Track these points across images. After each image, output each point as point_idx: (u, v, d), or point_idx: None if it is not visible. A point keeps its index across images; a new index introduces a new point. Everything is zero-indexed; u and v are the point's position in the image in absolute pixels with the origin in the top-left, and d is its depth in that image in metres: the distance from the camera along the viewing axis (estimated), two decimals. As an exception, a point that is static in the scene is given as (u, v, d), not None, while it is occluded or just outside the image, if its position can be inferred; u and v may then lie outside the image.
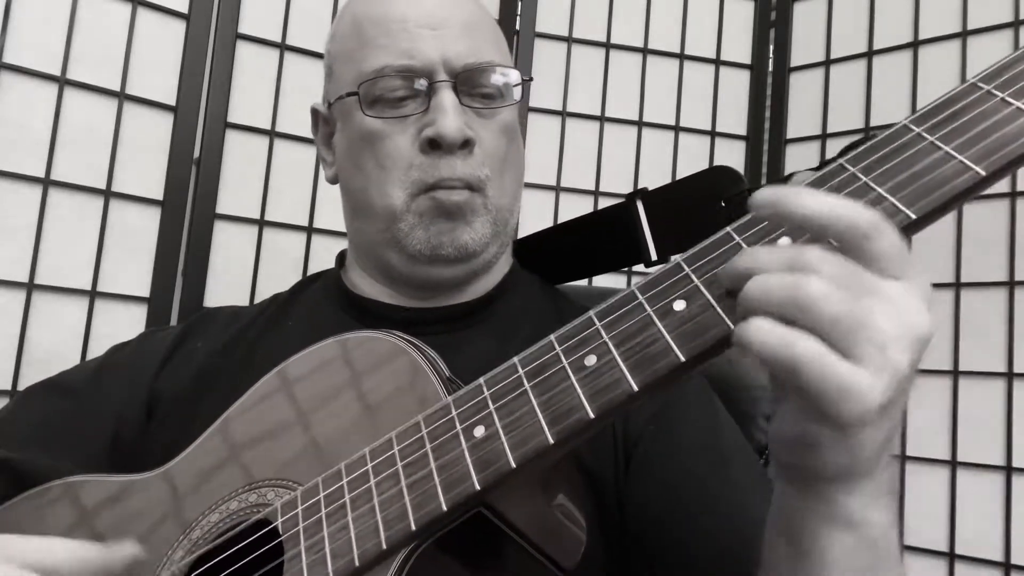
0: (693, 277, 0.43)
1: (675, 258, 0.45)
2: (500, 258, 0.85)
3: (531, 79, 0.84)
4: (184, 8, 1.35)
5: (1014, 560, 1.34)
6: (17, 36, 1.22)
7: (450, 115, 0.75)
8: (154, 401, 0.81)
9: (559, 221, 1.59)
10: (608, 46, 1.68)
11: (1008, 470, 1.38)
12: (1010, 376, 1.40)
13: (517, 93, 0.81)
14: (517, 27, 1.61)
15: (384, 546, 0.48)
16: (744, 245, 0.42)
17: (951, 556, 1.42)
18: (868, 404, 0.39)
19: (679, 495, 0.69)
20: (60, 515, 0.67)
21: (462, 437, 0.48)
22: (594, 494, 0.69)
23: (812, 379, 0.39)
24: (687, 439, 0.72)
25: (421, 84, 0.77)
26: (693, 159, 1.69)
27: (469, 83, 0.78)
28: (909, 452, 1.48)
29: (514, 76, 0.81)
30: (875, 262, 0.40)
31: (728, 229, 0.43)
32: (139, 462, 0.71)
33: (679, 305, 0.43)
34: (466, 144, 0.77)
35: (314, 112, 0.89)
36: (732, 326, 0.41)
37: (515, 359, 0.49)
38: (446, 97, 0.76)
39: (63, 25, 1.26)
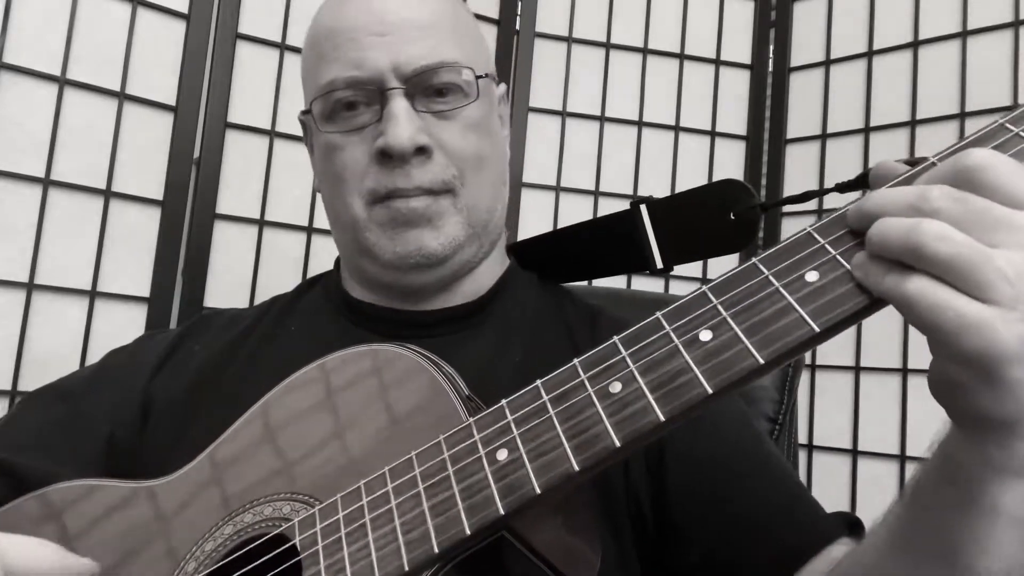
0: (720, 309, 0.43)
1: (703, 287, 0.45)
2: (486, 259, 0.84)
3: (486, 75, 0.80)
4: (184, 8, 1.35)
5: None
6: (17, 36, 1.21)
7: (401, 124, 0.73)
8: (149, 404, 0.80)
9: (559, 221, 1.60)
10: (608, 46, 1.67)
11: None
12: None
13: (482, 89, 0.79)
14: (517, 27, 1.61)
15: (407, 568, 0.48)
16: (772, 279, 0.42)
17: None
18: (994, 338, 0.37)
19: (729, 466, 0.70)
20: (64, 519, 0.67)
21: (485, 460, 0.48)
22: (602, 497, 0.69)
23: (924, 315, 0.39)
24: (722, 425, 0.72)
25: (373, 94, 0.75)
26: (693, 159, 1.69)
27: (423, 86, 0.76)
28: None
29: (471, 73, 0.78)
30: (997, 192, 0.39)
31: (755, 260, 0.43)
32: (137, 466, 0.71)
33: (705, 335, 0.43)
34: (421, 151, 0.75)
35: (301, 122, 0.88)
36: (761, 360, 0.41)
37: (538, 382, 0.49)
38: (397, 105, 0.74)
39: (63, 25, 1.25)
